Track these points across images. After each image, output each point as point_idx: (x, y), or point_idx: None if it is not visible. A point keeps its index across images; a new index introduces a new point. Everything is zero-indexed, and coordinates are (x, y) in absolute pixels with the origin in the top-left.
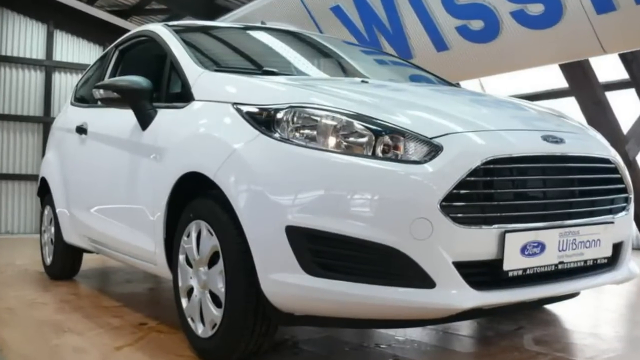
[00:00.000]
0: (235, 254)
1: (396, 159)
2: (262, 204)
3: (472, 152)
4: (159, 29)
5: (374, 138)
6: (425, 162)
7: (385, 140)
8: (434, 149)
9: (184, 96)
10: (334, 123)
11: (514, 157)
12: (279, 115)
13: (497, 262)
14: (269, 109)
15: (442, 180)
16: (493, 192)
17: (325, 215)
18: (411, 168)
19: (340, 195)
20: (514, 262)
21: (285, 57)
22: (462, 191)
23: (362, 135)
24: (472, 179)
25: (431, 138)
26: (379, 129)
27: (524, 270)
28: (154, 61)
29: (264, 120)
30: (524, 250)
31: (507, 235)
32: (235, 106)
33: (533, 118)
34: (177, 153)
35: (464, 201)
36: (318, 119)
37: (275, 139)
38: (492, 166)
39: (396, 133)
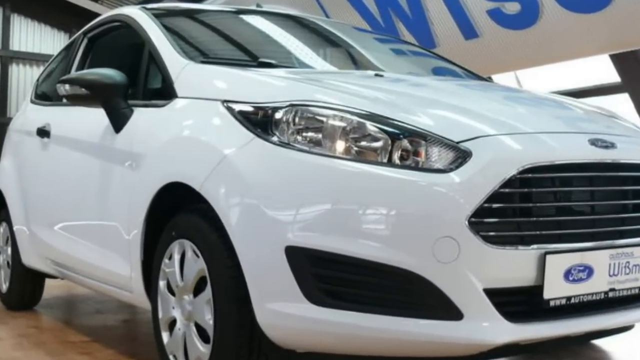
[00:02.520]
0: (226, 279)
1: (416, 167)
2: (257, 221)
3: (507, 158)
4: (136, 12)
5: (390, 142)
6: (451, 170)
7: (404, 145)
8: (461, 155)
9: (165, 92)
10: (343, 124)
11: (556, 165)
12: (278, 115)
13: (537, 290)
14: (265, 108)
15: (471, 192)
16: (531, 206)
17: (333, 234)
18: (434, 178)
19: (350, 210)
20: (556, 289)
21: (285, 46)
22: (495, 205)
23: (377, 139)
24: (507, 190)
25: (458, 142)
26: (397, 131)
27: (568, 298)
28: (129, 51)
29: (259, 121)
30: (568, 275)
31: (548, 257)
32: (225, 104)
33: (579, 118)
34: (156, 160)
35: (496, 217)
36: (324, 119)
37: (273, 143)
38: (530, 175)
39: (416, 136)
